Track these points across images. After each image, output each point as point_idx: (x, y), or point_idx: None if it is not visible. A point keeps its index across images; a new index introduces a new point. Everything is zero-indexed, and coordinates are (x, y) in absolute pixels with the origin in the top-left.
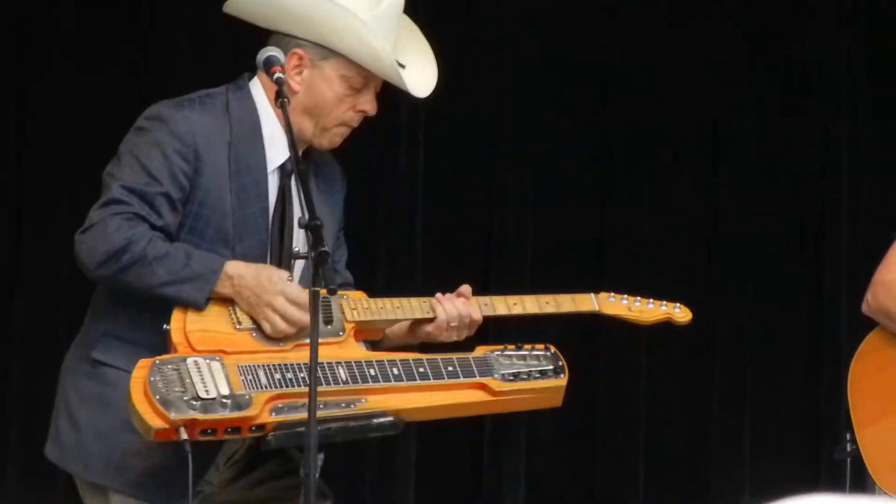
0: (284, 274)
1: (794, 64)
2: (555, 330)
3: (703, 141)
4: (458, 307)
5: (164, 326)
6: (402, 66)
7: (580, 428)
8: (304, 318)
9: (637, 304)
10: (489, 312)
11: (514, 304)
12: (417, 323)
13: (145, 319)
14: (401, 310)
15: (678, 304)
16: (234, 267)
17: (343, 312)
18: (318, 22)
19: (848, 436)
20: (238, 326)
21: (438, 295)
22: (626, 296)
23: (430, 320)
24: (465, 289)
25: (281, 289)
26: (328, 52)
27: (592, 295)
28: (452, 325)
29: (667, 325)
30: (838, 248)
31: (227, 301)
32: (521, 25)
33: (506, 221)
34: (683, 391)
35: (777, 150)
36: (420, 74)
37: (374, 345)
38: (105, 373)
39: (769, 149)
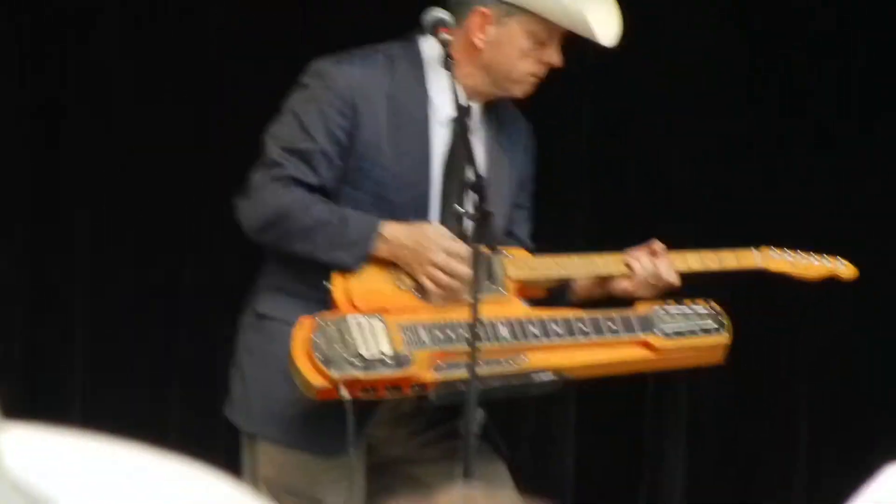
0: (443, 229)
1: None
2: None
3: None
4: (657, 265)
5: (326, 284)
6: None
7: (743, 384)
8: (467, 270)
9: (802, 259)
10: (617, 271)
11: (677, 260)
12: (608, 279)
13: (308, 273)
14: (564, 268)
15: (842, 260)
16: (389, 229)
17: (505, 270)
18: None
19: None
20: (401, 286)
21: (632, 251)
22: (788, 251)
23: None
24: (659, 245)
25: (440, 244)
26: (513, 8)
27: (755, 250)
28: (651, 281)
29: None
30: None
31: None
32: None
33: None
34: (845, 357)
35: None
36: (604, 23)
37: (555, 300)
38: (267, 326)
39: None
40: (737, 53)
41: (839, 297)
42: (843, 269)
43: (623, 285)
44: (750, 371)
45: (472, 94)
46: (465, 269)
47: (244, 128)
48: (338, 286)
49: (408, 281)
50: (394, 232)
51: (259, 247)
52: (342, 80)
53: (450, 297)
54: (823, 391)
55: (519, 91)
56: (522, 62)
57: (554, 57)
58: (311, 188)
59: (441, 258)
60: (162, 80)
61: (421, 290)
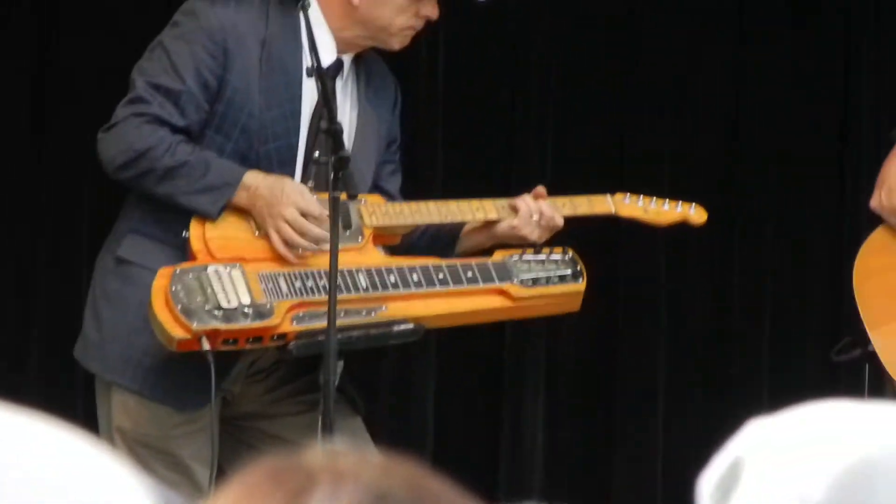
0: (302, 188)
1: None
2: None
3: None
4: (539, 205)
5: (184, 234)
6: None
7: (599, 339)
8: (316, 230)
9: (652, 205)
10: (506, 216)
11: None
12: (494, 223)
13: (170, 218)
14: (419, 214)
15: (693, 205)
16: (251, 177)
17: (361, 218)
18: None
19: (850, 338)
20: (257, 233)
21: (518, 196)
22: (641, 197)
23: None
24: (541, 189)
25: (294, 200)
26: None
27: (609, 196)
28: (535, 219)
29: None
30: (860, 151)
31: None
32: None
33: (528, 130)
34: (704, 298)
35: (798, 48)
36: None
37: (442, 251)
38: (127, 270)
39: (790, 48)
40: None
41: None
42: (694, 214)
43: (510, 225)
44: (608, 316)
45: (345, 46)
46: (316, 230)
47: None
48: (196, 235)
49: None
50: (256, 181)
51: (121, 188)
52: (215, 21)
53: (295, 253)
54: (682, 338)
55: (396, 44)
56: (400, 17)
57: (430, 10)
58: (175, 129)
59: (291, 214)
60: None
61: None
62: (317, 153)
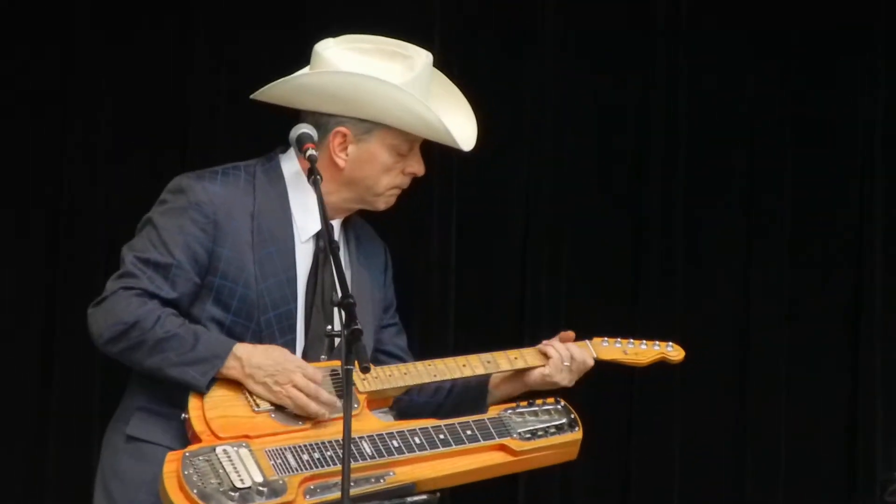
0: (291, 354)
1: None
2: None
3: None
4: (570, 349)
5: (183, 416)
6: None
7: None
8: (326, 395)
9: (630, 346)
10: (493, 369)
11: (516, 358)
12: (525, 371)
13: (177, 394)
14: (409, 376)
15: (670, 343)
16: (242, 349)
17: (354, 384)
18: (361, 99)
19: None
20: (256, 409)
21: (546, 342)
22: (619, 339)
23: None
24: (569, 333)
25: (298, 365)
26: (372, 125)
27: (588, 342)
28: (566, 364)
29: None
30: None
31: (242, 384)
32: (556, 80)
33: (538, 285)
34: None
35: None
36: (462, 128)
37: (472, 407)
38: (139, 448)
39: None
40: None
41: None
42: (672, 351)
43: (542, 374)
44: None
45: (332, 210)
46: (326, 395)
47: None
48: (196, 416)
49: (263, 403)
50: (248, 351)
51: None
52: (204, 196)
53: (307, 418)
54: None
55: (382, 204)
56: (386, 176)
57: (416, 166)
58: (164, 301)
59: (301, 380)
60: None
61: (278, 410)
62: (329, 327)
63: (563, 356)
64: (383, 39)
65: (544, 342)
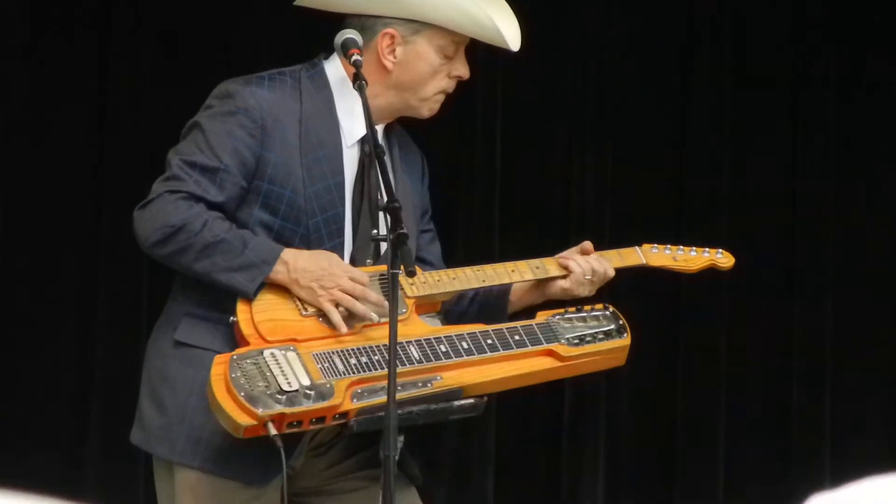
0: (337, 257)
1: None
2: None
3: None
4: (590, 262)
5: (231, 319)
6: None
7: (657, 400)
8: (374, 296)
9: (681, 252)
10: (542, 275)
11: (537, 267)
12: (546, 282)
13: (224, 299)
14: (457, 280)
15: (720, 250)
16: (289, 254)
17: (402, 289)
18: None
19: None
20: (304, 313)
21: (564, 253)
22: (668, 245)
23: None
24: (588, 244)
25: (345, 268)
26: (420, 25)
27: (637, 248)
28: (588, 277)
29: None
30: None
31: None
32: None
33: (585, 195)
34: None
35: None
36: (510, 27)
37: (493, 314)
38: (188, 353)
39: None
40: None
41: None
42: (722, 258)
43: (561, 287)
44: (663, 381)
45: (376, 116)
46: (374, 296)
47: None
48: (244, 319)
49: (310, 308)
50: (294, 255)
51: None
52: (252, 101)
53: (355, 321)
54: (741, 400)
55: (427, 110)
56: (433, 80)
57: (462, 69)
58: (211, 205)
59: (348, 283)
60: None
61: (325, 315)
62: (374, 231)
63: (585, 269)
64: None
65: (564, 254)
